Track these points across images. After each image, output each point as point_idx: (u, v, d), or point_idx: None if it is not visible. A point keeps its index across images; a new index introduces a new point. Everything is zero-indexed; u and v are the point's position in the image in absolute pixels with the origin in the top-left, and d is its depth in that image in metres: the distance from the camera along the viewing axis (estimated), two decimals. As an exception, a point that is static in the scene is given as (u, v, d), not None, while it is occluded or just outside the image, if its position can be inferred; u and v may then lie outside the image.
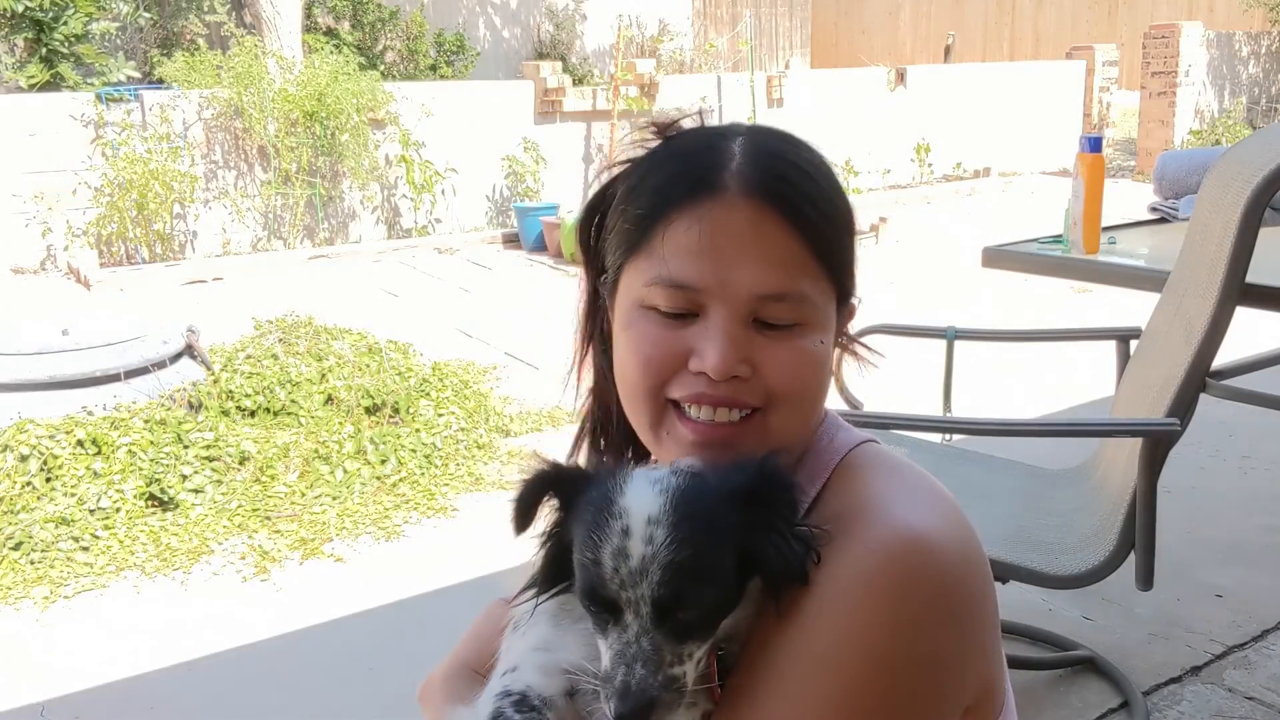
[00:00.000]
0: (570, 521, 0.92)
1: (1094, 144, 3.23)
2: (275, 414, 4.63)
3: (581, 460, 1.09)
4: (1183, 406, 2.26)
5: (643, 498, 0.87)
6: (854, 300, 1.10)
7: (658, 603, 0.84)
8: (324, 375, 4.82)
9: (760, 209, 0.98)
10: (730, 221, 0.98)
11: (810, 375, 1.01)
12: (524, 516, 0.93)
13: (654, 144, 1.06)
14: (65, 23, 9.86)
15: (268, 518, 3.96)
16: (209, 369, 4.81)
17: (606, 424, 1.16)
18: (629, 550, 0.85)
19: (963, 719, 0.96)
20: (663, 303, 0.99)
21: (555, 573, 0.93)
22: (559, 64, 11.47)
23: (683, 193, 0.99)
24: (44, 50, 9.85)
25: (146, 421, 4.20)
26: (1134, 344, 2.82)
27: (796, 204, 0.99)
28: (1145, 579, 2.26)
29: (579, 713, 0.92)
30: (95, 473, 3.97)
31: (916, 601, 0.89)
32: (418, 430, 4.58)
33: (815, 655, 0.89)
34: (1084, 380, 5.06)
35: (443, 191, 9.83)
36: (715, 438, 0.99)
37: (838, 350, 1.11)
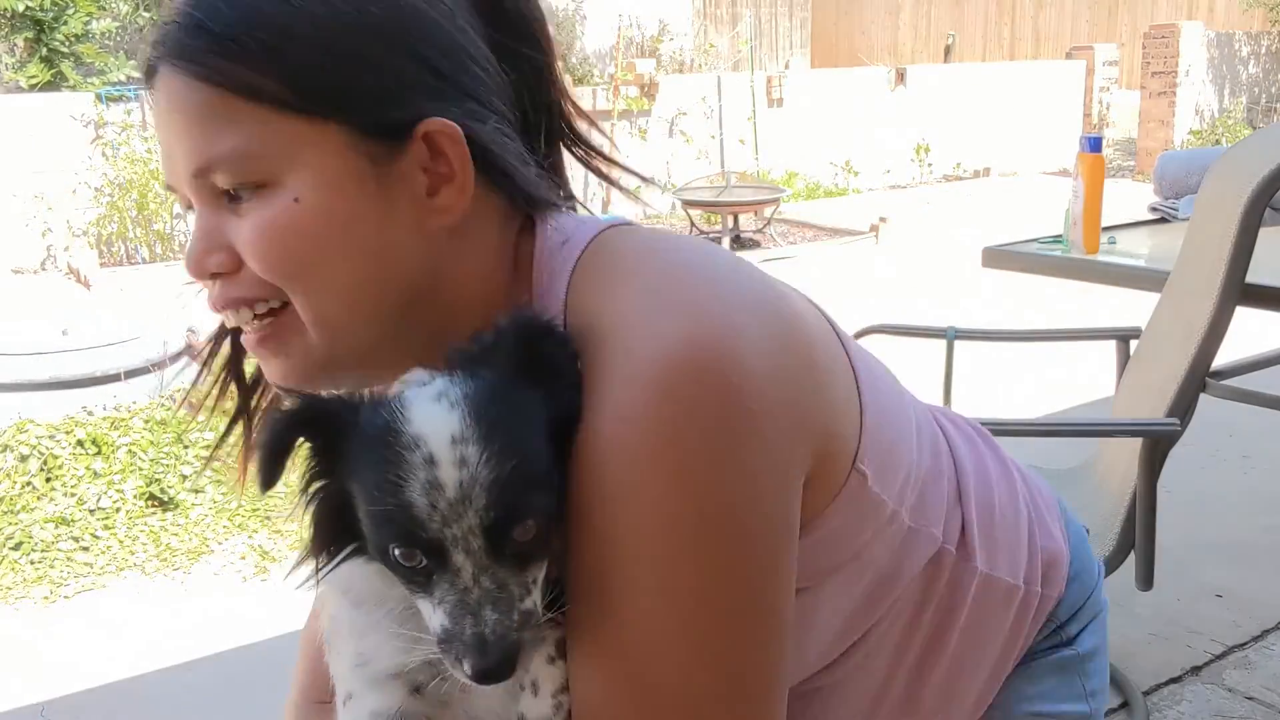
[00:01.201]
0: (342, 469, 0.76)
1: (1094, 144, 3.22)
2: (275, 414, 4.62)
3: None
4: (1183, 406, 2.26)
5: (435, 416, 0.72)
6: (431, 124, 0.84)
7: (491, 530, 0.71)
8: (324, 375, 4.82)
9: (172, 75, 0.83)
10: (159, 106, 0.85)
11: (287, 244, 0.83)
12: (273, 468, 0.76)
13: None
14: (65, 22, 9.86)
15: (268, 518, 3.96)
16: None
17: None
18: (440, 480, 0.70)
19: (814, 480, 0.84)
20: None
21: (331, 536, 0.78)
22: (559, 64, 11.46)
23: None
24: (44, 50, 9.85)
25: (146, 421, 4.20)
26: (1134, 344, 2.82)
27: (201, 49, 0.81)
28: (1145, 579, 2.26)
29: (436, 703, 0.81)
30: (95, 473, 3.97)
31: (700, 441, 0.75)
32: (418, 430, 4.58)
33: (625, 556, 0.76)
34: (1084, 380, 5.06)
35: (443, 191, 9.83)
36: (258, 343, 0.89)
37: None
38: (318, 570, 0.79)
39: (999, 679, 1.06)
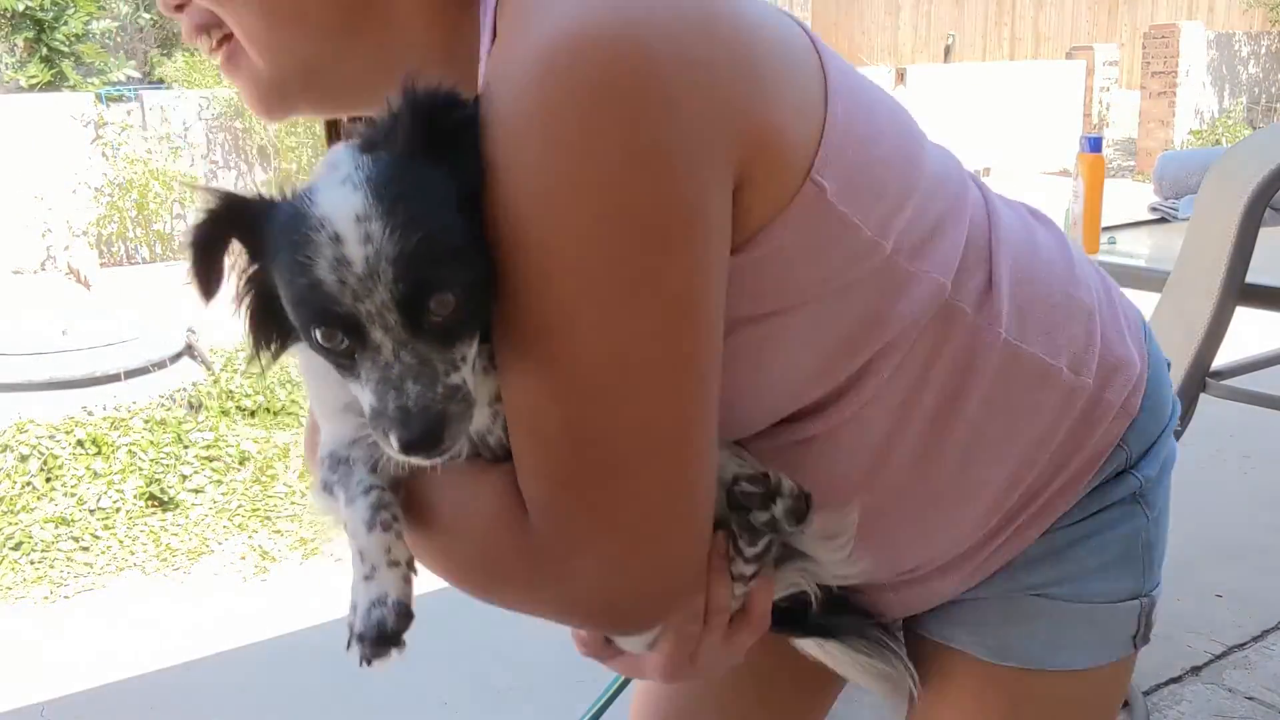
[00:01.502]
0: (265, 263, 0.77)
1: (1094, 144, 3.22)
2: (275, 414, 4.63)
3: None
4: (1183, 406, 2.26)
5: (338, 198, 0.73)
6: None
7: (405, 303, 0.71)
8: (324, 375, 4.83)
9: None
10: None
11: None
12: (204, 269, 0.77)
13: None
14: (66, 22, 9.87)
15: (268, 518, 3.96)
16: (209, 369, 4.81)
17: None
18: (347, 256, 0.71)
19: (754, 183, 0.80)
20: None
21: (266, 329, 0.80)
22: None
23: None
24: (44, 50, 9.86)
25: (146, 421, 4.21)
26: (1134, 344, 2.82)
27: None
28: (1145, 579, 2.26)
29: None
30: (95, 473, 3.97)
31: (582, 112, 0.72)
32: (418, 430, 4.59)
33: (518, 233, 0.74)
34: (1084, 380, 5.06)
35: (443, 191, 9.85)
36: (223, 68, 0.93)
37: None
38: (262, 364, 0.81)
39: (1032, 469, 1.00)
